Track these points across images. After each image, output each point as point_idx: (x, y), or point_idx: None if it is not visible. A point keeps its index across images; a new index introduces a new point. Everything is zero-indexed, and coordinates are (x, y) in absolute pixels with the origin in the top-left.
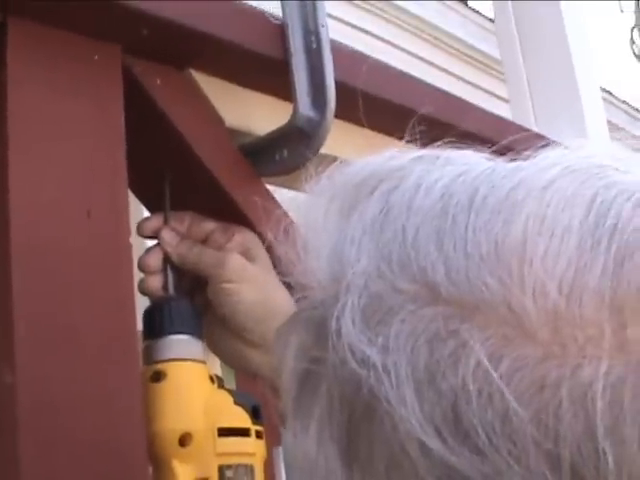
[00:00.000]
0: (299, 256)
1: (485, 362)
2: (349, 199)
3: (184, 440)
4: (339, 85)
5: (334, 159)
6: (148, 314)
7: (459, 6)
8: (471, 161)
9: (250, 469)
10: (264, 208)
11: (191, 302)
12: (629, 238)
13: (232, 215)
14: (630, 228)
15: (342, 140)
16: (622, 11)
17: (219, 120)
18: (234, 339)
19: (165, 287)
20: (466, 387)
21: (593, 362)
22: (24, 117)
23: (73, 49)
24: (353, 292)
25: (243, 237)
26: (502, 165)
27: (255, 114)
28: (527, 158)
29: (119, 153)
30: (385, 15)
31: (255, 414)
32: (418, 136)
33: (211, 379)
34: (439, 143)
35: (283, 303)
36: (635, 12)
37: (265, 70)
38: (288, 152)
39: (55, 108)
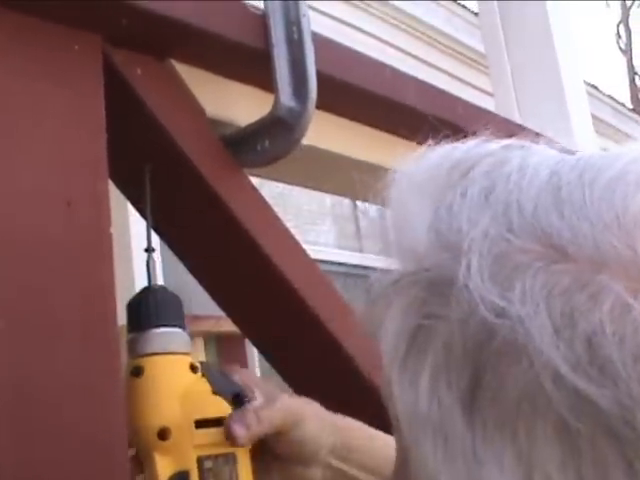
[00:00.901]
0: (390, 238)
1: (626, 299)
2: (443, 181)
3: (163, 434)
4: (320, 75)
5: (316, 150)
6: (130, 307)
7: (445, 1)
8: (549, 151)
9: (232, 458)
10: (246, 199)
11: (172, 292)
12: None
13: (214, 206)
14: None
15: (323, 130)
16: (608, 6)
17: (200, 110)
18: (292, 468)
19: (148, 278)
20: (603, 325)
21: None
22: (3, 107)
23: (53, 39)
24: (475, 253)
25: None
26: (594, 155)
27: (236, 105)
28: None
29: (100, 143)
30: (372, 10)
31: (236, 401)
32: (400, 127)
33: (193, 368)
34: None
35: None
36: (621, 7)
37: (246, 60)
38: (270, 142)
39: (35, 98)
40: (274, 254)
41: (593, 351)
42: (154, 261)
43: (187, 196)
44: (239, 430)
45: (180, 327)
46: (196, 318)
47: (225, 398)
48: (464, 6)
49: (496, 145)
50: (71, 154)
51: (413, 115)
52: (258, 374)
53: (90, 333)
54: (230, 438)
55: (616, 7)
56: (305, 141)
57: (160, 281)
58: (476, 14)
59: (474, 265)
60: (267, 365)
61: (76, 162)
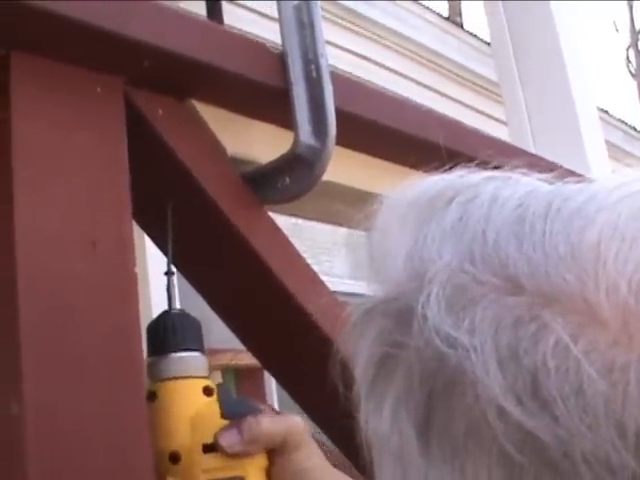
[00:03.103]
0: (371, 264)
1: (566, 339)
2: (424, 211)
3: (174, 458)
4: (339, 113)
5: (337, 186)
6: (149, 331)
7: (456, 29)
8: (537, 183)
9: None
10: (267, 236)
11: (190, 316)
12: None
13: (235, 243)
14: None
15: (343, 167)
16: (617, 30)
17: (221, 149)
18: None
19: (168, 302)
20: (546, 362)
21: None
22: (28, 150)
23: (76, 82)
24: (437, 283)
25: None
26: (568, 185)
27: (257, 143)
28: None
29: (123, 184)
30: (383, 41)
31: None
32: (419, 161)
33: (208, 391)
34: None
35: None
36: (630, 32)
37: (266, 99)
38: (290, 180)
39: (59, 141)
40: (295, 290)
41: (536, 386)
42: (174, 284)
43: (209, 233)
44: (226, 439)
45: (198, 350)
46: (214, 352)
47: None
48: (476, 35)
49: (479, 176)
50: (96, 195)
51: (432, 150)
52: (277, 407)
53: (116, 371)
54: (218, 447)
55: (625, 32)
56: (325, 177)
57: (178, 306)
58: (488, 44)
59: (433, 295)
60: (285, 398)
61: (101, 203)
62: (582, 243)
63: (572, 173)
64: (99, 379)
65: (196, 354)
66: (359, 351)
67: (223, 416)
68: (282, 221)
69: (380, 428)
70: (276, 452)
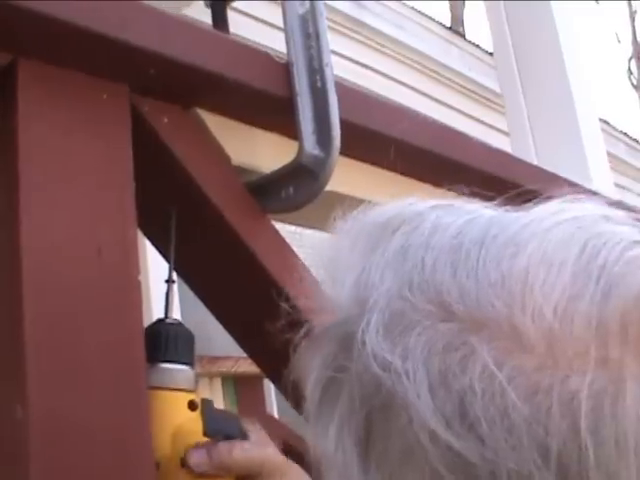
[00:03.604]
0: (322, 288)
1: (491, 366)
2: (373, 237)
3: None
4: (344, 123)
5: (339, 196)
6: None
7: (458, 39)
8: (479, 210)
9: None
10: (270, 245)
11: (185, 328)
12: (614, 275)
13: (237, 251)
14: (616, 267)
15: (347, 177)
16: (619, 42)
17: (225, 158)
18: None
19: (165, 310)
20: (473, 387)
21: (579, 374)
22: (34, 156)
23: (82, 89)
24: (377, 310)
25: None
26: (509, 213)
27: (261, 152)
28: (529, 209)
29: (128, 191)
30: (385, 49)
31: None
32: (422, 171)
33: (192, 405)
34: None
35: None
36: (632, 43)
37: (271, 108)
38: (294, 189)
39: (65, 147)
40: (298, 300)
41: (463, 410)
42: (173, 293)
43: (212, 241)
44: (194, 457)
45: (187, 364)
46: (214, 359)
47: (216, 439)
48: (478, 46)
49: (425, 205)
50: (101, 202)
51: (436, 160)
52: (276, 415)
53: (119, 376)
54: (185, 465)
55: (627, 43)
56: (329, 187)
57: (177, 314)
58: (491, 54)
59: (373, 321)
60: (285, 406)
61: (106, 210)
62: (512, 269)
63: (573, 184)
64: (102, 384)
65: (185, 367)
66: (309, 374)
67: (205, 434)
68: (281, 228)
69: (327, 447)
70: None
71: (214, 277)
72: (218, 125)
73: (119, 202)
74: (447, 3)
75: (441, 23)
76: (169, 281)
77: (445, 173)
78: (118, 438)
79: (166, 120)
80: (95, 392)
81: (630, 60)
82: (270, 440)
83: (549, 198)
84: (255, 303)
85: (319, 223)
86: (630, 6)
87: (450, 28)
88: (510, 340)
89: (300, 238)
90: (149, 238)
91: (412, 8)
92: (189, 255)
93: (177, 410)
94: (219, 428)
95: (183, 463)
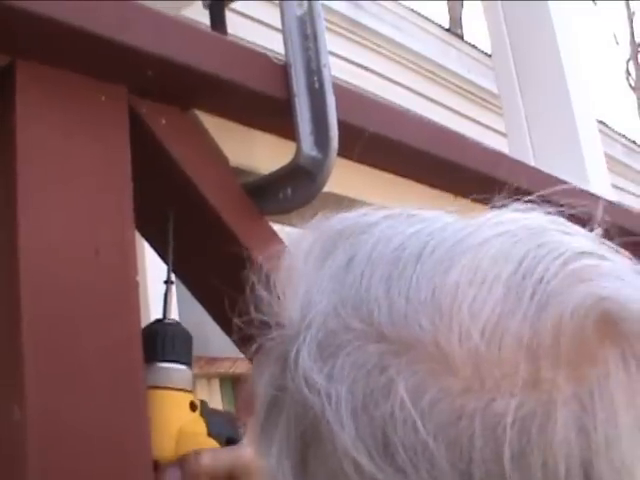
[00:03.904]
0: (279, 297)
1: (405, 397)
2: (326, 247)
3: (155, 466)
4: (341, 124)
5: (337, 197)
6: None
7: (456, 41)
8: (430, 219)
9: None
10: (268, 246)
11: (183, 328)
12: (552, 290)
13: (235, 253)
14: (554, 281)
15: (345, 178)
16: (617, 43)
17: (223, 159)
18: None
19: (164, 310)
20: (393, 416)
21: (506, 396)
22: (33, 157)
23: (80, 90)
24: (312, 328)
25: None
26: (455, 223)
27: (259, 153)
28: (477, 217)
29: (126, 192)
30: (383, 51)
31: (229, 444)
32: (419, 173)
33: (193, 406)
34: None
35: None
36: (630, 44)
37: (268, 110)
38: (292, 190)
39: (63, 148)
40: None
41: (385, 439)
42: (172, 294)
43: (209, 242)
44: (168, 475)
45: (185, 364)
46: (212, 360)
47: (219, 441)
48: (476, 47)
49: (378, 215)
50: (99, 203)
51: (434, 162)
52: None
53: (117, 377)
54: None
55: (625, 45)
56: (327, 188)
57: (175, 315)
58: (489, 55)
59: (307, 340)
60: None
61: (104, 211)
62: (442, 287)
63: (571, 186)
64: (100, 385)
65: (184, 367)
66: (257, 389)
67: (209, 434)
68: (277, 229)
69: (269, 464)
70: None
71: (211, 278)
72: (216, 126)
73: (117, 203)
74: (445, 4)
75: (439, 24)
76: (167, 282)
77: (442, 174)
78: (116, 439)
79: (164, 121)
80: (93, 393)
81: (628, 61)
82: None
83: (501, 207)
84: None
85: None
86: (628, 7)
87: (448, 29)
88: (435, 362)
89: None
90: (147, 239)
91: (410, 9)
92: (187, 256)
93: (179, 410)
94: (221, 429)
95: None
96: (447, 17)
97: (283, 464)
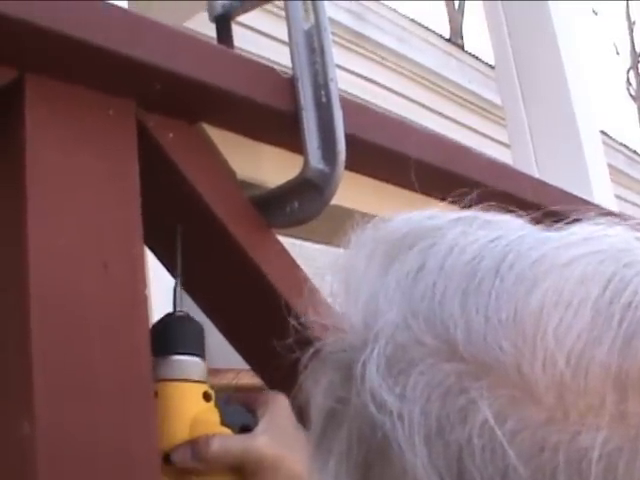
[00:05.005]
0: (336, 300)
1: (491, 421)
2: (390, 251)
3: (169, 458)
4: (349, 138)
5: (345, 211)
6: (153, 331)
7: (457, 51)
8: (505, 227)
9: None
10: (275, 260)
11: (194, 321)
12: None
13: (243, 266)
14: None
15: (352, 191)
16: (618, 53)
17: (230, 173)
18: None
19: (174, 306)
20: (471, 442)
21: (592, 430)
22: (41, 171)
23: (88, 104)
24: (381, 340)
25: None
26: (533, 235)
27: (266, 166)
28: (558, 230)
29: (134, 206)
30: (384, 61)
31: (243, 433)
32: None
33: (206, 397)
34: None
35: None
36: (631, 54)
37: (276, 123)
38: (299, 204)
39: (71, 162)
40: (303, 314)
41: (460, 467)
42: (180, 287)
43: (217, 256)
44: (177, 454)
45: (198, 356)
46: (216, 371)
47: (233, 429)
48: (477, 57)
49: (446, 218)
50: (107, 218)
51: (440, 175)
52: None
53: (127, 391)
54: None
55: (626, 54)
56: (334, 202)
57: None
58: (490, 65)
59: (375, 353)
60: None
61: (112, 225)
62: (525, 308)
63: (574, 197)
64: (109, 399)
65: (197, 359)
66: (312, 398)
67: (223, 423)
68: (284, 242)
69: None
70: (243, 473)
71: (219, 291)
72: (223, 140)
73: (125, 217)
74: (445, 15)
75: (440, 35)
76: (176, 275)
77: (449, 187)
78: (125, 453)
79: (172, 135)
80: (102, 407)
81: (629, 71)
82: (281, 427)
83: (577, 220)
84: (260, 317)
85: (324, 237)
86: (629, 17)
87: (449, 40)
88: (517, 389)
89: (299, 250)
90: (154, 253)
91: (411, 19)
92: (194, 270)
93: (192, 401)
94: (235, 418)
95: (166, 460)
96: (447, 28)
97: (342, 479)
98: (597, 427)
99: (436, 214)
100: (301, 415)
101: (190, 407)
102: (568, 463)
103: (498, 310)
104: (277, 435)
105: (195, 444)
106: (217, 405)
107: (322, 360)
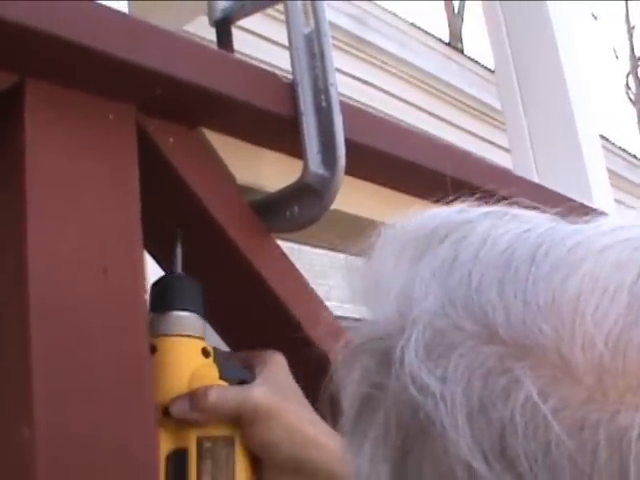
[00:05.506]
0: (367, 293)
1: (535, 397)
2: (420, 245)
3: (168, 412)
4: (348, 142)
5: (344, 215)
6: (153, 288)
7: (457, 55)
8: (535, 220)
9: (231, 441)
10: (275, 264)
11: (193, 280)
12: None
13: (243, 271)
14: None
15: (352, 196)
16: (617, 57)
17: (230, 177)
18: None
19: (174, 264)
20: (514, 419)
21: (631, 409)
22: (41, 176)
23: (89, 109)
24: (418, 326)
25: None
26: (563, 226)
27: (266, 171)
28: (587, 222)
29: (134, 211)
30: (384, 65)
31: None
32: (427, 191)
33: (205, 352)
34: (450, 199)
35: (316, 433)
36: (630, 58)
37: (276, 128)
38: (299, 209)
39: (71, 167)
40: (302, 318)
41: (503, 444)
42: (180, 250)
43: (217, 261)
44: (176, 406)
45: (197, 313)
46: None
47: (231, 384)
48: (477, 61)
49: (476, 212)
50: (107, 222)
51: (440, 180)
52: None
53: (126, 395)
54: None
55: (625, 59)
56: (334, 206)
57: None
58: (489, 70)
59: (413, 338)
60: None
61: (112, 230)
62: (563, 293)
63: (574, 202)
64: (109, 403)
65: (195, 315)
66: (346, 387)
67: (221, 378)
68: (284, 247)
69: (360, 465)
70: (240, 424)
71: (220, 297)
72: (223, 144)
73: (125, 222)
74: (445, 19)
75: (440, 39)
76: (176, 234)
77: (449, 191)
78: (125, 457)
79: (172, 140)
80: (101, 412)
81: (628, 75)
82: (278, 381)
83: (603, 214)
84: (260, 321)
85: (324, 242)
86: (628, 22)
87: (449, 44)
88: (557, 369)
89: (299, 255)
90: (154, 257)
91: (411, 24)
92: (194, 275)
93: (191, 356)
94: (233, 373)
95: (165, 413)
96: (447, 32)
97: (378, 465)
98: (636, 406)
99: (465, 208)
100: (332, 407)
101: (189, 362)
102: (608, 441)
103: (536, 295)
104: (274, 388)
105: (193, 396)
106: (216, 361)
107: (354, 350)
